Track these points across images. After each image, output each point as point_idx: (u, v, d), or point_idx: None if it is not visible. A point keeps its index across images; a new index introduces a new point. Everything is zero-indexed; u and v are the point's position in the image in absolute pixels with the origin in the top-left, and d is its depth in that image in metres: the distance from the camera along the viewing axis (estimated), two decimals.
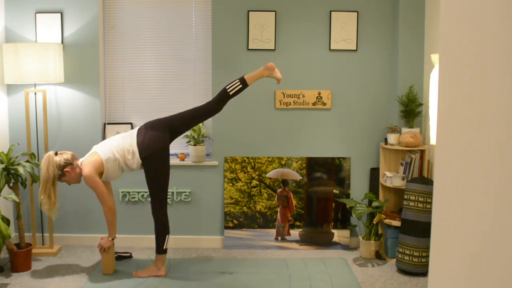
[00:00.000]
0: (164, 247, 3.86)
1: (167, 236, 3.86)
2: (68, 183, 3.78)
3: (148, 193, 4.53)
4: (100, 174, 3.73)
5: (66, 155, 3.73)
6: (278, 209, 4.61)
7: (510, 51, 1.03)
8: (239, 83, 3.88)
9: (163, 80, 4.66)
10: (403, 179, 4.25)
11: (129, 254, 4.29)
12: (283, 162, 4.59)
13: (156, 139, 3.78)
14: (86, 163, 3.69)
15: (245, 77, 3.90)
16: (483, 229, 1.13)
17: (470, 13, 1.19)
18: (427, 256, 3.89)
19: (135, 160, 3.75)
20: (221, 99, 3.90)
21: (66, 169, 3.68)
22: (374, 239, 4.33)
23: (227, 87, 3.89)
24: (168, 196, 4.53)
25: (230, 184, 4.59)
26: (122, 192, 4.58)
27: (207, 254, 4.44)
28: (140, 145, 3.75)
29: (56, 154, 3.72)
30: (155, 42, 4.63)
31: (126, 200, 4.60)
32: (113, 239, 3.85)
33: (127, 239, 4.57)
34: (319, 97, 4.56)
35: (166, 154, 3.82)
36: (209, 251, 4.51)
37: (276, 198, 4.61)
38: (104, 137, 4.56)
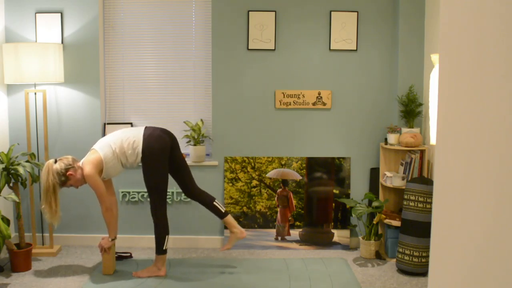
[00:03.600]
0: (164, 248, 3.86)
1: (166, 236, 3.86)
2: (75, 186, 3.79)
3: (147, 193, 4.53)
4: (101, 171, 3.73)
5: (66, 159, 3.73)
6: (278, 209, 4.61)
7: (511, 51, 1.03)
8: (223, 211, 4.01)
9: (163, 80, 4.66)
10: (403, 179, 4.25)
11: (129, 254, 4.29)
12: (283, 162, 4.59)
13: (162, 141, 3.80)
14: (86, 162, 3.70)
15: (229, 215, 4.04)
16: (483, 229, 1.13)
17: (470, 13, 1.19)
18: (427, 256, 3.89)
19: (136, 152, 3.74)
20: (202, 199, 4.00)
21: (69, 173, 3.68)
22: (374, 239, 4.33)
23: (216, 201, 4.00)
24: (168, 196, 4.54)
25: (230, 184, 4.59)
26: (122, 192, 4.58)
27: (207, 254, 4.44)
28: (146, 137, 3.75)
29: (55, 161, 3.71)
30: (155, 42, 4.62)
31: (126, 200, 4.60)
32: (113, 240, 3.85)
33: (127, 239, 4.57)
34: (319, 97, 4.56)
35: (165, 157, 3.83)
36: (209, 251, 4.51)
37: (276, 198, 4.61)
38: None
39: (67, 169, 3.68)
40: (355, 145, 4.61)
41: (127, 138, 3.76)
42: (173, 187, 4.54)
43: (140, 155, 3.75)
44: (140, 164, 3.82)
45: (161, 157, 3.79)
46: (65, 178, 3.69)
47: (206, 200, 4.01)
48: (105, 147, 3.74)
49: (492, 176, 1.09)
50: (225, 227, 4.59)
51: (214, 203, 3.99)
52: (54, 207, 3.66)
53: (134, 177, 4.50)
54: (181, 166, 3.99)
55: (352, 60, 4.55)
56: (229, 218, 4.04)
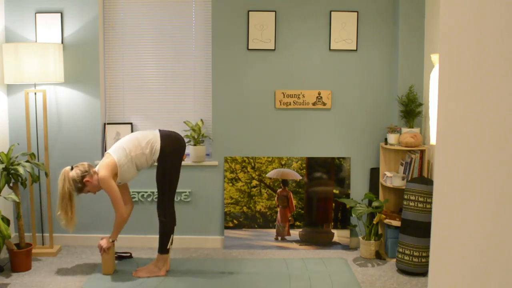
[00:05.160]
0: (168, 247, 3.86)
1: (171, 235, 3.86)
2: (93, 192, 3.81)
3: (147, 193, 4.54)
4: (116, 175, 3.74)
5: (82, 166, 3.75)
6: (278, 209, 4.61)
7: (511, 51, 1.03)
8: (169, 245, 3.87)
9: (163, 80, 4.66)
10: (403, 179, 4.25)
11: (129, 254, 4.29)
12: (283, 162, 4.59)
13: (179, 142, 3.85)
14: (101, 166, 3.72)
15: (168, 250, 3.89)
16: (483, 229, 1.13)
17: (470, 13, 1.19)
18: (427, 256, 3.89)
19: (154, 150, 3.75)
20: (162, 227, 3.85)
21: (85, 180, 3.71)
22: (374, 239, 4.34)
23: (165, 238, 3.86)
24: None
25: (230, 184, 4.59)
26: None
27: (207, 254, 4.44)
28: (164, 137, 3.79)
29: (71, 168, 3.74)
30: (155, 42, 4.62)
31: None
32: (113, 241, 3.85)
33: (127, 239, 4.57)
34: (319, 97, 4.56)
35: (180, 158, 3.87)
36: (209, 251, 4.51)
37: (276, 198, 4.61)
38: (104, 137, 4.57)
39: (83, 176, 3.71)
40: (355, 145, 4.61)
41: (144, 138, 3.79)
42: None
43: (157, 153, 3.76)
44: (155, 163, 3.83)
45: (177, 157, 3.83)
46: (81, 185, 3.72)
47: (162, 232, 3.88)
48: (118, 150, 3.75)
49: (492, 176, 1.09)
50: (225, 227, 4.59)
51: (167, 237, 3.88)
52: (70, 214, 3.71)
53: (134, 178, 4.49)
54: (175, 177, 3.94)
55: (352, 60, 4.55)
56: (163, 256, 3.90)
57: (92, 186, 3.74)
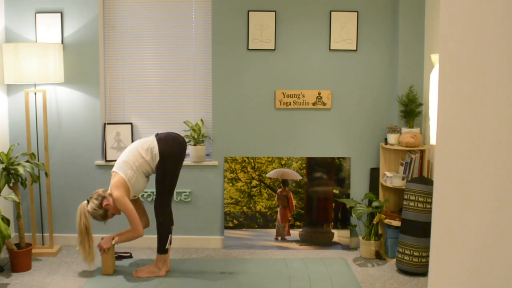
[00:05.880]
0: (166, 247, 3.86)
1: (169, 236, 3.86)
2: (117, 213, 3.82)
3: (147, 193, 4.54)
4: (128, 191, 3.75)
5: (96, 194, 3.77)
6: (278, 209, 4.61)
7: (510, 50, 1.03)
8: (167, 245, 3.86)
9: (163, 80, 4.66)
10: (403, 179, 4.25)
11: (129, 254, 4.29)
12: (283, 162, 4.59)
13: (178, 143, 3.86)
14: (112, 187, 3.74)
15: (167, 250, 3.87)
16: (483, 229, 1.13)
17: (470, 13, 1.19)
18: (427, 256, 3.89)
19: (153, 154, 3.77)
20: (160, 224, 3.84)
21: (105, 204, 3.73)
22: (374, 239, 4.34)
23: (163, 238, 3.85)
24: None
25: (230, 184, 4.59)
26: None
27: (207, 254, 4.44)
28: (163, 139, 3.80)
29: (88, 202, 3.77)
30: (155, 42, 4.62)
31: None
32: (115, 243, 3.85)
33: None
34: (319, 97, 4.56)
35: (181, 158, 3.88)
36: (209, 251, 4.51)
37: (276, 198, 4.61)
38: (104, 137, 4.57)
39: (101, 202, 3.73)
40: (355, 145, 4.61)
41: (142, 146, 3.81)
42: None
43: (158, 157, 3.77)
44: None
45: (177, 156, 3.84)
46: (103, 211, 3.74)
47: (160, 229, 3.88)
48: (122, 165, 3.77)
49: (492, 176, 1.09)
50: (225, 227, 4.59)
51: (166, 235, 3.88)
52: (88, 248, 3.76)
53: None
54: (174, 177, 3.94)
55: (352, 60, 4.55)
56: (167, 256, 3.91)
57: (113, 208, 3.76)
